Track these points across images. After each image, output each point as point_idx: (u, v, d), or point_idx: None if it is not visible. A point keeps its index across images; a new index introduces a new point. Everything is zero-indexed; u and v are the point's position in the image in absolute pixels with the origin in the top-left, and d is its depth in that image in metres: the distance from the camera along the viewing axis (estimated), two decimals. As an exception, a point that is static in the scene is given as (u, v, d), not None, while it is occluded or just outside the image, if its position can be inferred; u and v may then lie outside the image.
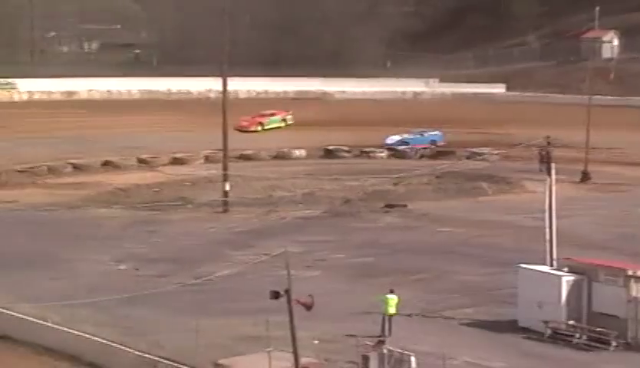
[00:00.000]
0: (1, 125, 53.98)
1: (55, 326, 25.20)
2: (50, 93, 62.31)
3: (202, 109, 56.33)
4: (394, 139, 55.03)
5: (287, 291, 19.13)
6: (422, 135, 55.87)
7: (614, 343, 24.22)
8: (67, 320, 25.39)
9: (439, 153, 52.69)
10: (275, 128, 58.04)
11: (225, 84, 42.49)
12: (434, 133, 55.66)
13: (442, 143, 55.06)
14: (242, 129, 56.38)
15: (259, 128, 57.74)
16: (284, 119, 58.95)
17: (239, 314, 26.61)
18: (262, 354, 22.18)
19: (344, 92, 66.02)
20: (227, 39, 41.90)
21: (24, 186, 45.17)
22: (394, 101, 64.06)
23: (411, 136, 55.18)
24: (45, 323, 25.42)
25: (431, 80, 67.50)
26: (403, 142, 54.80)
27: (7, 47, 66.80)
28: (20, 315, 25.87)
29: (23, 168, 47.39)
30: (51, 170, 48.10)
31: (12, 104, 60.38)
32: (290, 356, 19.83)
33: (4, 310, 26.17)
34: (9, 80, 61.79)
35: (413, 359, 22.03)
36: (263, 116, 58.51)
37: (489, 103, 62.92)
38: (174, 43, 70.45)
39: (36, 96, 62.11)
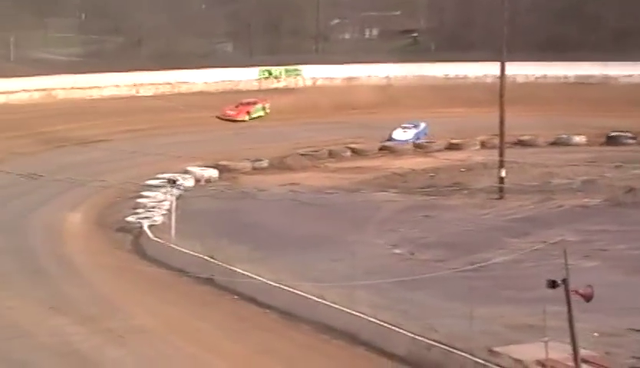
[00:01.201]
0: (288, 111, 56.49)
1: (334, 305, 26.09)
2: (331, 79, 64.36)
3: (478, 94, 55.91)
4: (402, 135, 50.64)
5: (564, 281, 18.60)
6: (416, 126, 51.90)
7: None
8: (344, 300, 26.20)
9: None
10: (257, 117, 56.20)
11: (503, 69, 41.89)
12: (424, 126, 51.36)
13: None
14: (228, 119, 54.94)
15: (247, 117, 55.81)
16: (264, 108, 57.07)
17: (513, 302, 26.23)
18: (538, 344, 21.73)
19: (630, 76, 62.95)
20: (506, 22, 41.29)
21: (307, 170, 47.01)
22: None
23: (414, 130, 51.19)
24: (324, 301, 26.38)
25: None
26: (417, 136, 50.68)
27: (294, 36, 69.90)
28: (302, 293, 27.00)
29: (306, 152, 49.31)
30: (332, 154, 49.71)
31: (297, 90, 62.97)
32: (568, 348, 19.29)
33: (289, 288, 27.42)
34: (296, 66, 64.53)
35: None
36: (248, 104, 56.66)
37: None
38: (452, 28, 70.39)
39: (319, 83, 64.40)
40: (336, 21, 76.26)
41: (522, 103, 50.28)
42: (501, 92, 41.96)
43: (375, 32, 77.54)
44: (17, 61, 59.27)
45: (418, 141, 50.98)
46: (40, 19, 71.97)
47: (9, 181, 38.93)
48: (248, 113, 56.43)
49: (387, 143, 50.80)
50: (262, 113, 57.31)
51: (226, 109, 56.14)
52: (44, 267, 31.13)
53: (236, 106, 56.45)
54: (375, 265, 30.54)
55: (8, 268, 30.69)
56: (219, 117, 55.38)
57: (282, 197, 40.54)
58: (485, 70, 58.21)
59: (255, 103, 57.25)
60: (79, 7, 75.91)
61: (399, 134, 51.22)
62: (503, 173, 41.58)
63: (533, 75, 63.28)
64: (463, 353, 22.45)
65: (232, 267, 29.24)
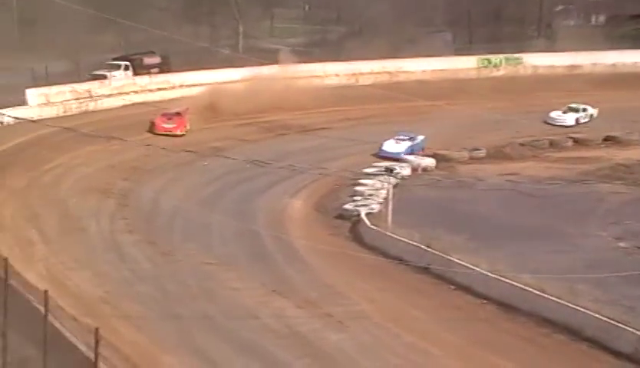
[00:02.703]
0: (509, 99, 55.44)
1: (555, 298, 25.46)
2: (553, 67, 62.60)
3: None
4: (393, 147, 44.04)
5: None
6: (412, 139, 44.90)
7: None
8: (565, 294, 25.52)
9: None
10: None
11: None
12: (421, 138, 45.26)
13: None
14: (165, 134, 46.31)
15: (184, 131, 47.33)
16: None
17: None
18: None
19: None
20: None
21: (526, 159, 46.05)
22: None
23: (408, 142, 44.54)
24: (545, 295, 25.80)
25: None
26: (411, 149, 44.04)
27: (515, 24, 68.59)
28: (521, 285, 26.55)
29: (525, 141, 48.30)
30: (552, 144, 48.42)
31: (517, 79, 61.69)
32: None
33: (507, 280, 27.03)
34: (516, 55, 63.28)
35: None
36: (179, 115, 47.91)
37: None
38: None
39: (540, 71, 62.81)
40: (560, 7, 74.15)
41: None
42: None
43: (602, 18, 74.70)
44: (245, 51, 61.49)
45: (412, 155, 44.01)
46: (267, 10, 74.61)
47: (237, 167, 40.51)
48: (185, 126, 48.19)
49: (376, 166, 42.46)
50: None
51: (160, 122, 47.23)
52: (268, 250, 32.26)
53: (169, 119, 47.52)
54: (598, 259, 29.61)
55: (235, 251, 32.04)
56: (152, 132, 47.00)
57: (500, 187, 39.89)
58: None
59: (186, 112, 48.72)
60: (304, -2, 78.24)
61: (390, 146, 44.52)
62: None
63: None
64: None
65: (448, 257, 29.16)
